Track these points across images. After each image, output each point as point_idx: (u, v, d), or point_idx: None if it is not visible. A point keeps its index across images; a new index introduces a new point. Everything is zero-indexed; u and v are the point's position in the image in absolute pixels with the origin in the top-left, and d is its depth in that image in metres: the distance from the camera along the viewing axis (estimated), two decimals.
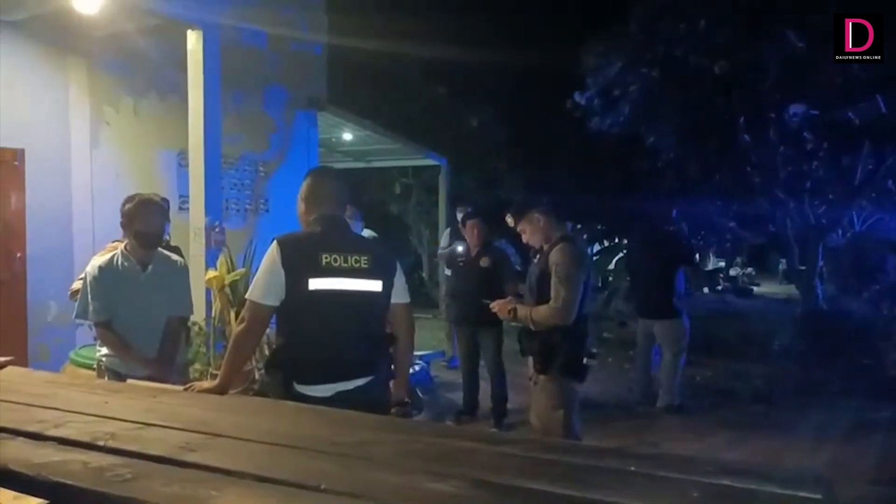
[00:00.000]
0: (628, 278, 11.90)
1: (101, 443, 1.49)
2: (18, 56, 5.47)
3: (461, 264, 5.48)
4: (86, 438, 1.53)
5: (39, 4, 4.78)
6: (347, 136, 9.55)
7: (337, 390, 2.38)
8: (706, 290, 14.03)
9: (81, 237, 5.84)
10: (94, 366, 3.56)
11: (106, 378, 3.11)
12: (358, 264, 2.45)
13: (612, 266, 12.23)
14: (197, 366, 4.54)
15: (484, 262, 5.23)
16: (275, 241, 2.44)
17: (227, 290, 4.78)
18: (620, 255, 11.66)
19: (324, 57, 8.03)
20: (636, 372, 6.17)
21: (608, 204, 10.45)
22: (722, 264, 17.77)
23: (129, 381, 2.77)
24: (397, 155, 10.49)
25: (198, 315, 4.41)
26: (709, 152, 8.74)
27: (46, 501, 1.22)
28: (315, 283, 2.37)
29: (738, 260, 18.77)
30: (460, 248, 5.57)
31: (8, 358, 2.44)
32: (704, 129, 8.53)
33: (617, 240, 12.12)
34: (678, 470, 1.24)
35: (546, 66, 10.06)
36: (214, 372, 4.59)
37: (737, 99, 8.34)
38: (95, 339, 5.20)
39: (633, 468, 1.24)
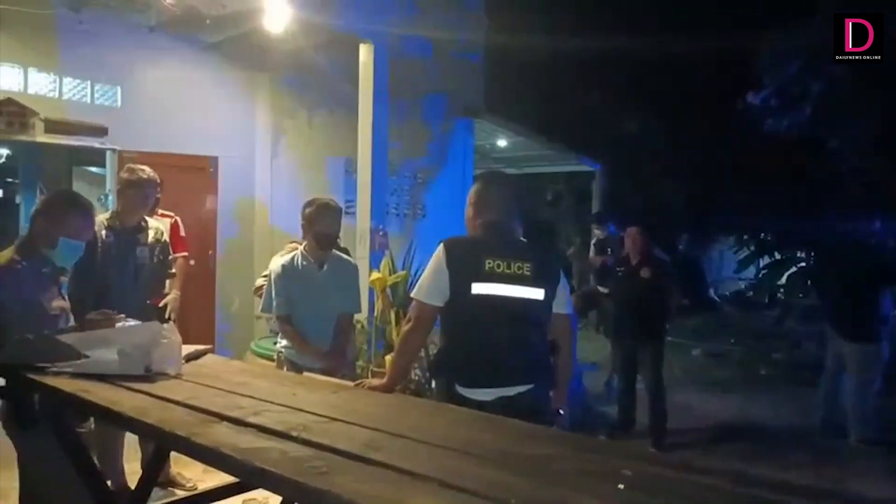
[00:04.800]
0: (800, 294, 10.88)
1: (294, 434, 1.58)
2: (215, 74, 6.13)
3: (619, 274, 5.27)
4: (280, 428, 1.63)
5: (236, 26, 5.29)
6: (501, 143, 9.61)
7: (498, 395, 2.37)
8: None
9: (260, 238, 6.40)
10: (273, 356, 3.86)
11: (285, 368, 3.34)
12: (521, 271, 2.43)
13: (783, 280, 11.20)
14: (360, 362, 4.75)
15: (645, 272, 4.99)
16: (441, 244, 2.48)
17: (388, 291, 4.97)
18: (794, 268, 10.65)
19: (482, 65, 8.13)
20: (821, 398, 5.55)
21: (779, 213, 9.60)
22: None
23: (306, 373, 2.96)
24: (550, 160, 10.39)
25: (360, 314, 4.62)
26: None
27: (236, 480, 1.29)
28: (478, 288, 2.38)
29: None
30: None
31: (208, 346, 2.70)
32: None
33: (790, 252, 11.08)
34: None
35: (713, 65, 9.46)
36: (375, 369, 4.79)
37: None
38: (271, 331, 5.66)
39: None
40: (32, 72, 5.02)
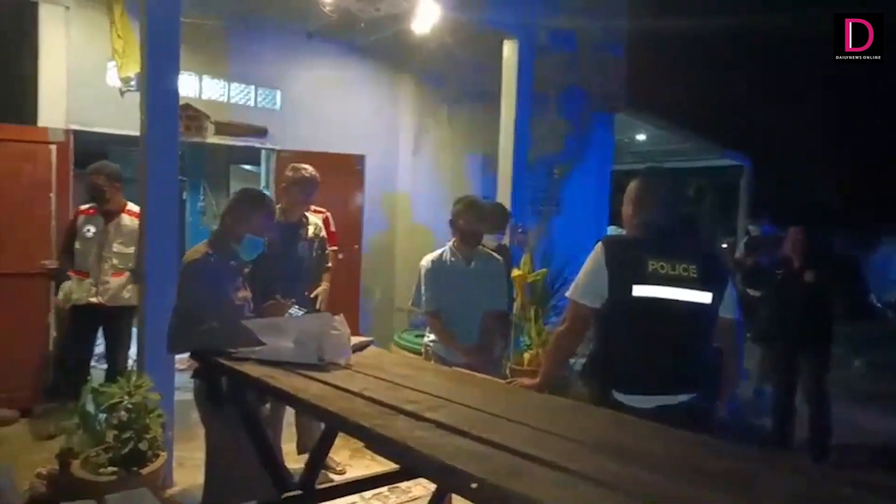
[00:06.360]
0: None
1: (473, 431, 1.60)
2: (363, 75, 6.39)
3: (779, 277, 4.91)
4: (455, 424, 1.66)
5: (387, 27, 5.47)
6: (640, 137, 9.26)
7: (659, 404, 2.27)
8: None
9: (402, 233, 6.60)
10: (418, 349, 3.97)
11: (432, 361, 3.42)
12: (686, 273, 2.31)
13: None
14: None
15: (809, 276, 4.62)
16: (600, 242, 2.40)
17: (527, 288, 4.95)
18: None
19: (624, 57, 7.86)
20: None
21: None
22: None
23: (454, 367, 3.01)
24: (693, 155, 9.86)
25: None
26: None
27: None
28: (639, 290, 2.28)
29: None
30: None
31: (370, 338, 2.82)
32: None
33: None
34: None
35: (881, 49, 8.50)
36: (513, 366, 4.79)
37: None
38: (411, 324, 5.83)
39: None
40: (206, 79, 5.50)
